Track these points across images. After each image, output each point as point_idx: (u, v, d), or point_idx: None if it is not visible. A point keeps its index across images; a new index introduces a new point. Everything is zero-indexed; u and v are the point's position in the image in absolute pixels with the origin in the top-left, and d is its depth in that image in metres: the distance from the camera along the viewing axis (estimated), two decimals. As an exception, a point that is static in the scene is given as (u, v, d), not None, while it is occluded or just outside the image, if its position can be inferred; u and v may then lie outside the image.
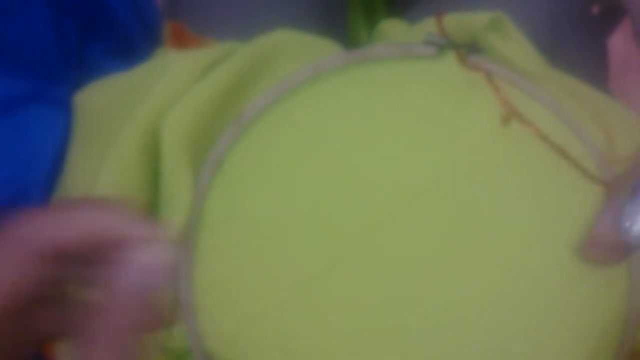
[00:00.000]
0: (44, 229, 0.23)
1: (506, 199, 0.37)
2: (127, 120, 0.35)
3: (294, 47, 0.39)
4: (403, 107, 0.38)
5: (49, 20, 0.39)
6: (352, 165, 0.36)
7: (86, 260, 0.24)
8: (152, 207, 0.36)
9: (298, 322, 0.33)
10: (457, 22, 0.41)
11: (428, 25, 0.42)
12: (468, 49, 0.40)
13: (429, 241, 0.35)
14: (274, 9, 0.47)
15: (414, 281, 0.34)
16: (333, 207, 0.35)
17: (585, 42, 0.45)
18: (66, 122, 0.36)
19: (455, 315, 0.33)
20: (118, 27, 0.44)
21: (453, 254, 0.35)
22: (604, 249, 0.34)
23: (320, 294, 0.34)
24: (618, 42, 0.48)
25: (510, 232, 0.36)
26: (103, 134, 0.36)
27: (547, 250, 0.36)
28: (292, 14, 0.47)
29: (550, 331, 0.34)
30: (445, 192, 0.36)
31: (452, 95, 0.39)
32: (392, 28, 0.45)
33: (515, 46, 0.41)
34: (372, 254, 0.34)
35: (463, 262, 0.35)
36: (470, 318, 0.33)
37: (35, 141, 0.36)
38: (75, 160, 0.37)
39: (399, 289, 0.34)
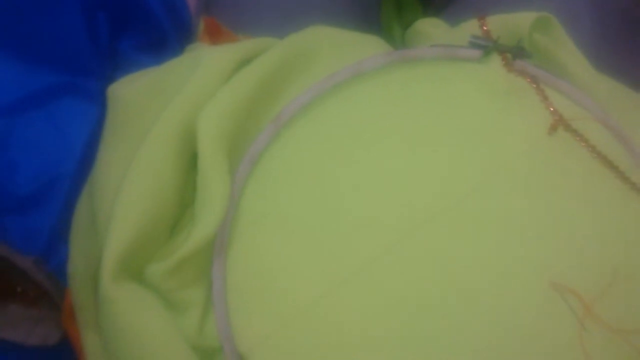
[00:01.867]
0: None
1: (551, 210, 0.35)
2: (159, 115, 0.33)
3: (333, 44, 0.37)
4: (446, 110, 0.36)
5: (81, 13, 0.39)
6: (390, 169, 0.34)
7: None
8: (183, 204, 0.35)
9: (329, 325, 0.32)
10: (501, 22, 0.39)
11: (470, 26, 0.40)
12: (514, 53, 0.38)
13: (469, 250, 0.33)
14: (307, 6, 0.46)
15: (448, 292, 0.33)
16: (369, 211, 0.33)
17: (630, 46, 0.43)
18: (99, 115, 0.35)
19: (501, 341, 0.31)
20: (150, 21, 0.43)
21: (494, 268, 0.33)
22: None
23: (351, 299, 0.32)
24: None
25: (555, 245, 0.34)
26: (135, 128, 0.35)
27: (598, 266, 0.34)
28: (325, 10, 0.46)
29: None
30: (487, 200, 0.34)
31: (497, 101, 0.37)
32: (431, 28, 0.43)
33: (562, 48, 0.39)
34: (405, 262, 0.33)
35: (505, 279, 0.33)
36: (518, 342, 0.31)
37: (67, 133, 0.35)
38: (107, 154, 0.36)
39: (434, 299, 0.32)
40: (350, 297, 0.32)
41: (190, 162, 0.34)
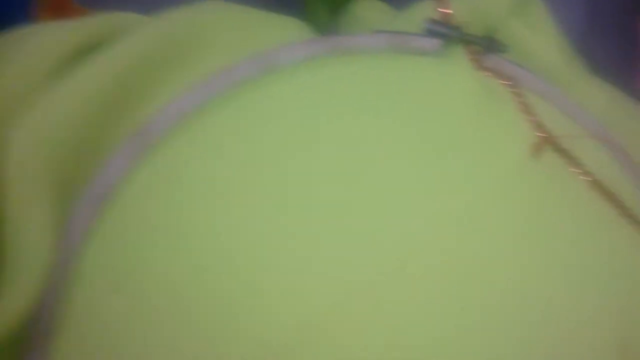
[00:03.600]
0: None
1: (539, 266, 0.25)
2: None
3: (232, 27, 0.27)
4: (394, 126, 0.26)
5: None
6: (319, 216, 0.24)
7: None
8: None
9: None
10: (467, 4, 0.29)
11: (424, 10, 0.30)
12: (485, 45, 0.28)
13: (433, 308, 0.24)
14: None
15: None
16: (289, 281, 0.23)
17: (623, 39, 0.34)
18: None
19: None
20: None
21: (466, 327, 0.24)
22: None
23: None
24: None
25: (540, 297, 0.25)
26: None
27: (604, 342, 0.24)
28: None
29: None
30: (453, 252, 0.25)
31: (462, 111, 0.27)
32: (373, 12, 0.33)
33: (544, 39, 0.30)
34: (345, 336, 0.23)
35: (482, 335, 0.24)
36: None
37: None
38: None
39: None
40: None
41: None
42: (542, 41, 0.30)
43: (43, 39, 0.24)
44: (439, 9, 0.29)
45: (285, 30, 0.28)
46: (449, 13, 0.29)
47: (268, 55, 0.26)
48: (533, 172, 0.27)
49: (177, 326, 0.22)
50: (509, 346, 0.24)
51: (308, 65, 0.26)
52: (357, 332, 0.22)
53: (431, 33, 0.28)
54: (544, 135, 0.27)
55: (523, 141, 0.27)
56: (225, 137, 0.25)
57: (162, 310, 0.23)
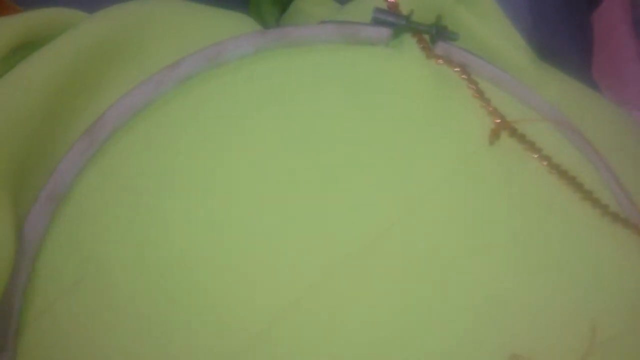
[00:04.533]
0: None
1: (501, 249, 0.25)
2: None
3: (174, 22, 0.26)
4: (348, 117, 0.25)
5: None
6: (273, 209, 0.23)
7: None
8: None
9: None
10: None
11: (371, 2, 0.29)
12: (433, 33, 0.27)
13: (393, 297, 0.23)
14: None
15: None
16: (243, 275, 0.22)
17: (570, 20, 0.34)
18: None
19: None
20: None
21: (429, 342, 0.23)
22: None
23: None
24: (607, 25, 0.38)
25: (511, 299, 0.24)
26: None
27: (571, 325, 0.24)
28: None
29: None
30: (409, 240, 0.24)
31: (416, 100, 0.26)
32: (316, 6, 0.32)
33: (492, 26, 0.29)
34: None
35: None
36: None
37: None
38: None
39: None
40: None
41: None
42: (490, 28, 0.29)
43: None
44: (386, -1, 0.29)
45: (232, 23, 0.27)
46: (396, 2, 0.28)
47: (215, 48, 0.24)
48: (490, 158, 0.26)
49: (138, 321, 0.21)
50: (468, 322, 0.23)
51: (256, 58, 0.25)
52: (331, 315, 0.22)
53: (379, 22, 0.27)
54: (499, 120, 0.27)
55: (479, 127, 0.26)
56: (175, 131, 0.23)
57: (122, 304, 0.22)
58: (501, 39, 0.29)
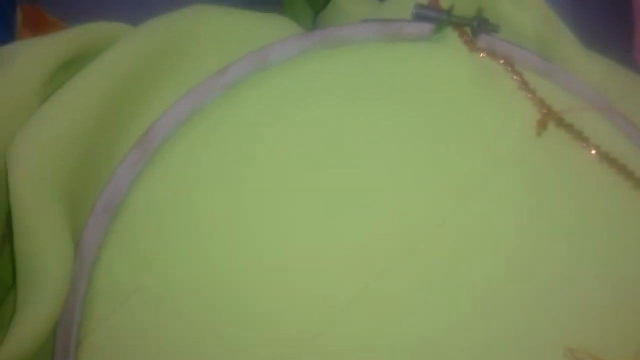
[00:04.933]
0: None
1: (555, 243, 0.25)
2: None
3: (220, 29, 0.26)
4: (397, 111, 0.26)
5: None
6: (333, 204, 0.24)
7: None
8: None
9: None
10: None
11: (410, -1, 0.29)
12: (475, 26, 0.27)
13: (447, 293, 0.24)
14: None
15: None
16: (307, 279, 0.23)
17: (616, 15, 0.34)
18: None
19: None
20: None
21: (486, 333, 0.23)
22: None
23: None
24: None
25: (566, 292, 0.24)
26: None
27: (627, 316, 0.24)
28: None
29: None
30: (465, 232, 0.24)
31: (462, 93, 0.26)
32: (355, 4, 0.32)
33: (533, 13, 0.29)
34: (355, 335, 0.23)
35: (501, 346, 0.23)
36: None
37: None
38: None
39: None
40: None
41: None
42: (531, 16, 0.29)
43: (32, 52, 0.23)
44: (425, -6, 0.29)
45: (274, 27, 0.27)
46: (435, -3, 0.28)
47: (262, 53, 0.25)
48: (539, 149, 0.26)
49: (195, 328, 0.21)
50: (523, 317, 0.23)
51: (301, 60, 0.25)
52: (385, 315, 0.22)
53: (421, 18, 0.27)
54: (546, 111, 0.27)
55: (526, 119, 0.26)
56: (226, 137, 0.24)
57: (179, 312, 0.22)
58: (543, 26, 0.29)
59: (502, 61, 0.27)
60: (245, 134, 0.24)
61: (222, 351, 0.22)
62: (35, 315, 0.21)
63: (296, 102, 0.25)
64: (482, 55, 0.27)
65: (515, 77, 0.27)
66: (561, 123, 0.27)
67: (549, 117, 0.26)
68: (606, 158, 0.26)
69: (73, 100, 0.23)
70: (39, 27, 0.29)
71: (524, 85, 0.27)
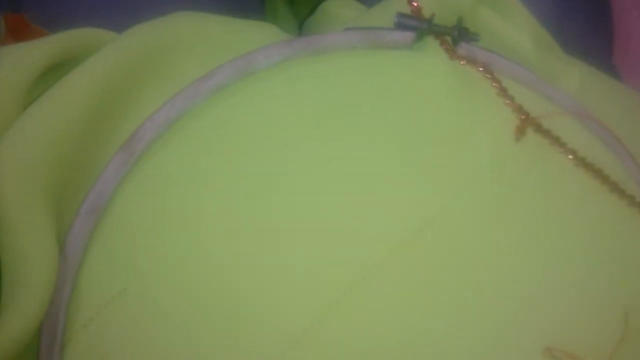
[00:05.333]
0: None
1: (533, 244, 0.25)
2: None
3: (205, 35, 0.26)
4: (377, 118, 0.26)
5: None
6: (313, 209, 0.24)
7: None
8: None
9: None
10: None
11: (392, 4, 0.30)
12: (455, 34, 0.28)
13: (429, 294, 0.24)
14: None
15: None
16: (289, 285, 0.23)
17: (590, 3, 0.34)
18: None
19: None
20: None
21: (464, 332, 0.24)
22: None
23: None
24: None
25: (544, 291, 0.25)
26: None
27: (604, 314, 0.24)
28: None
29: None
30: (445, 238, 0.25)
31: (442, 100, 0.27)
32: (342, 8, 0.33)
33: (516, 25, 0.30)
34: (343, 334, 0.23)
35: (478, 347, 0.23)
36: None
37: None
38: None
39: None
40: None
41: None
42: (513, 24, 0.30)
43: (15, 58, 0.23)
44: (409, 3, 0.29)
45: (260, 34, 0.28)
46: (418, 6, 0.29)
47: (246, 59, 0.25)
48: (518, 154, 0.27)
49: (180, 330, 0.22)
50: (502, 317, 0.24)
51: (284, 67, 0.26)
52: (370, 314, 0.22)
53: (402, 26, 0.28)
54: (524, 117, 0.27)
55: (505, 125, 0.27)
56: (211, 141, 0.24)
57: (164, 314, 0.22)
58: (523, 35, 0.30)
59: (481, 68, 0.28)
60: (230, 138, 0.25)
61: (206, 352, 0.22)
62: (19, 317, 0.21)
63: (281, 107, 0.25)
64: (462, 62, 0.28)
65: (494, 84, 0.28)
66: (539, 129, 0.27)
67: (527, 123, 0.27)
68: (582, 162, 0.27)
69: (57, 104, 0.23)
70: (22, 34, 0.29)
71: (503, 91, 0.28)
